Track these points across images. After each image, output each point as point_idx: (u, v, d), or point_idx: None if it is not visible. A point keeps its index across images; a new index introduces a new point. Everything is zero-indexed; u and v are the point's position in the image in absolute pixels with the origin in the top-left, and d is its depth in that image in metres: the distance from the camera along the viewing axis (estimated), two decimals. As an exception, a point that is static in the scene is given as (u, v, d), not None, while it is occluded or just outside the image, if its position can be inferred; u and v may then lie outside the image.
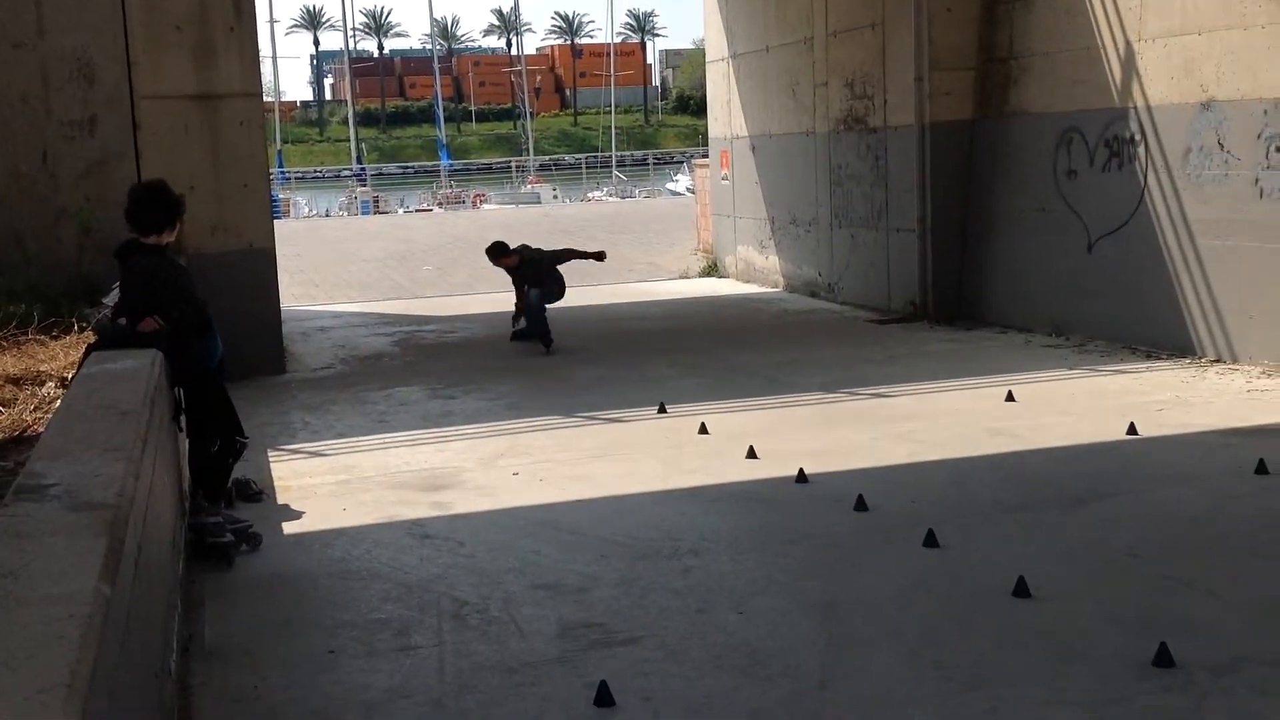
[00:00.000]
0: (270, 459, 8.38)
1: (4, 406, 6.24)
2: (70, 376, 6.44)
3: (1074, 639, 4.94)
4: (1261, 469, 7.14)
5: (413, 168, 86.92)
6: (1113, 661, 4.70)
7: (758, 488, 7.41)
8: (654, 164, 72.41)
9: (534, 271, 13.12)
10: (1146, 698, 4.40)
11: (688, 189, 37.60)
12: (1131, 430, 8.21)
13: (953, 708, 4.39)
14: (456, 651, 5.05)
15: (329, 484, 7.76)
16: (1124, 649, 4.78)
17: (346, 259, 23.66)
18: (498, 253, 13.37)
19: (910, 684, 4.61)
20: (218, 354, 6.59)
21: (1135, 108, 11.42)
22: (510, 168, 73.96)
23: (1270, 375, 9.87)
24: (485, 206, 52.12)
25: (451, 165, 76.84)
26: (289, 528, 6.90)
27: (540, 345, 12.60)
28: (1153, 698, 4.40)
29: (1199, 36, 10.72)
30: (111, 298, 7.26)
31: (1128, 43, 11.48)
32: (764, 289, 17.46)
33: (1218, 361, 10.50)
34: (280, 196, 49.32)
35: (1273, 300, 10.10)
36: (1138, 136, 11.42)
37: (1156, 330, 11.16)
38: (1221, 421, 8.47)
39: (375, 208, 52.69)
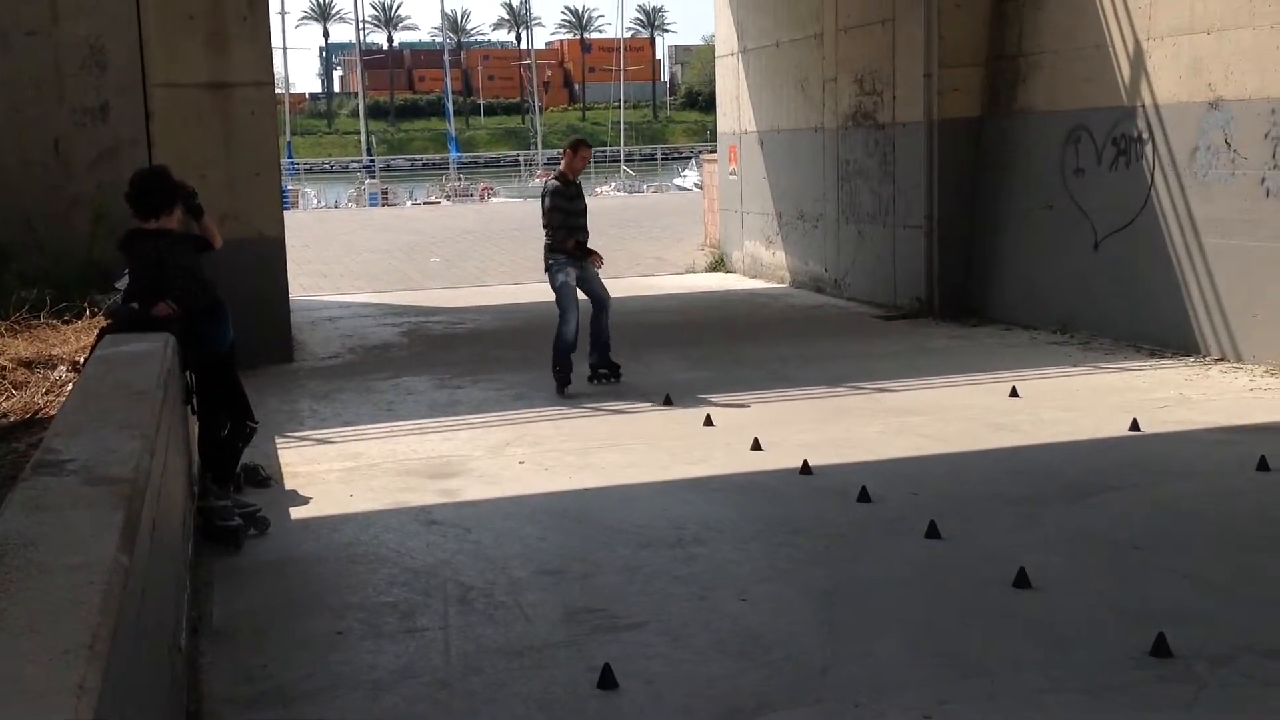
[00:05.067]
0: (278, 446, 8.45)
1: (16, 389, 6.32)
2: (83, 360, 6.51)
3: (1073, 628, 5.00)
4: (1263, 466, 7.19)
5: (421, 160, 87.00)
6: (1111, 650, 4.76)
7: (762, 479, 7.47)
8: (662, 159, 72.51)
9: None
10: (1144, 686, 4.46)
11: (695, 184, 37.65)
12: (1134, 426, 8.26)
13: (951, 693, 4.45)
14: (462, 634, 5.11)
15: (337, 470, 7.83)
16: (1122, 639, 4.84)
17: (354, 250, 23.73)
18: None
19: (910, 669, 4.67)
20: (229, 338, 6.65)
21: (1143, 106, 11.45)
22: (518, 161, 74.07)
23: (1274, 374, 9.90)
24: (493, 200, 52.22)
25: (460, 158, 76.93)
26: (297, 513, 6.97)
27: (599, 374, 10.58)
28: (1150, 686, 4.46)
29: (1208, 36, 10.75)
30: (123, 283, 7.33)
31: (1137, 41, 11.51)
32: (770, 284, 17.51)
33: (1222, 360, 10.53)
34: (289, 188, 49.44)
35: (1277, 299, 10.14)
36: (1145, 135, 11.45)
37: (1161, 328, 11.20)
38: (1224, 419, 8.51)
39: (383, 200, 52.82)
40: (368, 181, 59.34)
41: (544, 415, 9.30)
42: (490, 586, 5.67)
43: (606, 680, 4.56)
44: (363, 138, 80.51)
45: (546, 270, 10.37)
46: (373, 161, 72.60)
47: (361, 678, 4.73)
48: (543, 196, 10.47)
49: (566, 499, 7.11)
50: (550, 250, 10.27)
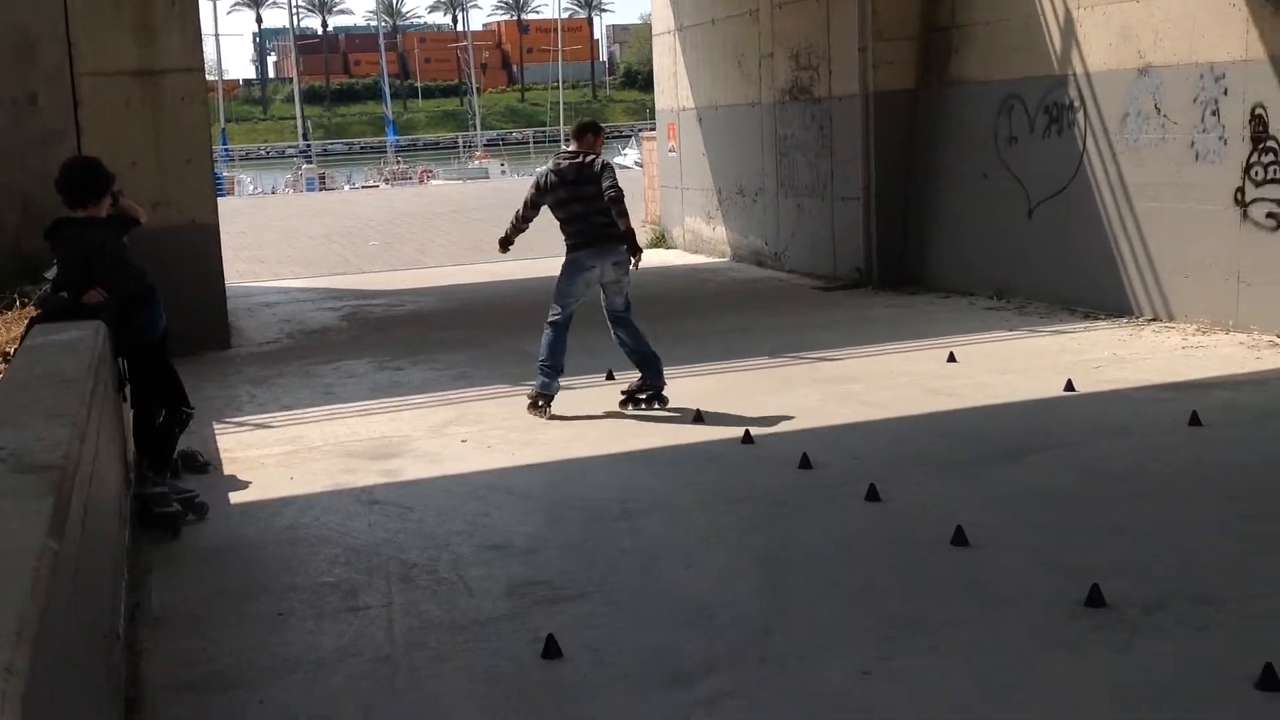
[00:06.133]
0: (216, 431, 8.37)
1: (-55, 380, 6.21)
2: (12, 350, 6.42)
3: (1010, 584, 5.08)
4: (1195, 421, 7.33)
5: (359, 145, 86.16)
6: (1047, 603, 4.84)
7: (705, 449, 7.50)
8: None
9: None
10: (1080, 635, 4.54)
11: (636, 162, 37.58)
12: (1069, 387, 8.38)
13: (892, 649, 4.50)
14: (405, 611, 5.11)
15: (276, 454, 7.77)
16: (1058, 592, 4.92)
17: (292, 236, 23.51)
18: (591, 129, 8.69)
19: (852, 629, 4.73)
20: (161, 324, 6.57)
21: (1074, 74, 11.58)
22: (458, 144, 73.58)
23: (1205, 332, 10.08)
24: (433, 182, 51.86)
25: (398, 142, 76.32)
26: (236, 497, 6.91)
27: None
28: (1086, 635, 4.54)
29: (1137, 3, 10.87)
30: (52, 273, 7.23)
31: (1067, 10, 11.62)
32: (711, 259, 17.55)
33: (1154, 320, 10.70)
34: (224, 175, 48.82)
35: (1207, 259, 10.31)
36: (1077, 103, 11.58)
37: (1095, 291, 11.36)
38: (1157, 377, 8.66)
39: (321, 185, 52.27)
40: (305, 167, 58.74)
41: (486, 394, 9.27)
42: (433, 563, 5.66)
43: (551, 650, 4.58)
44: (299, 123, 79.57)
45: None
46: (309, 147, 71.81)
47: (304, 658, 4.71)
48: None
49: (510, 475, 7.10)
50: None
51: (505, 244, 8.80)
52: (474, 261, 18.61)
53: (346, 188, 51.35)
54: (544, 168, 9.02)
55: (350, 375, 10.29)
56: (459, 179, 52.55)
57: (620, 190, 8.18)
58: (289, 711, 4.29)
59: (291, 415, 8.89)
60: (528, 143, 71.08)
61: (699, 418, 8.12)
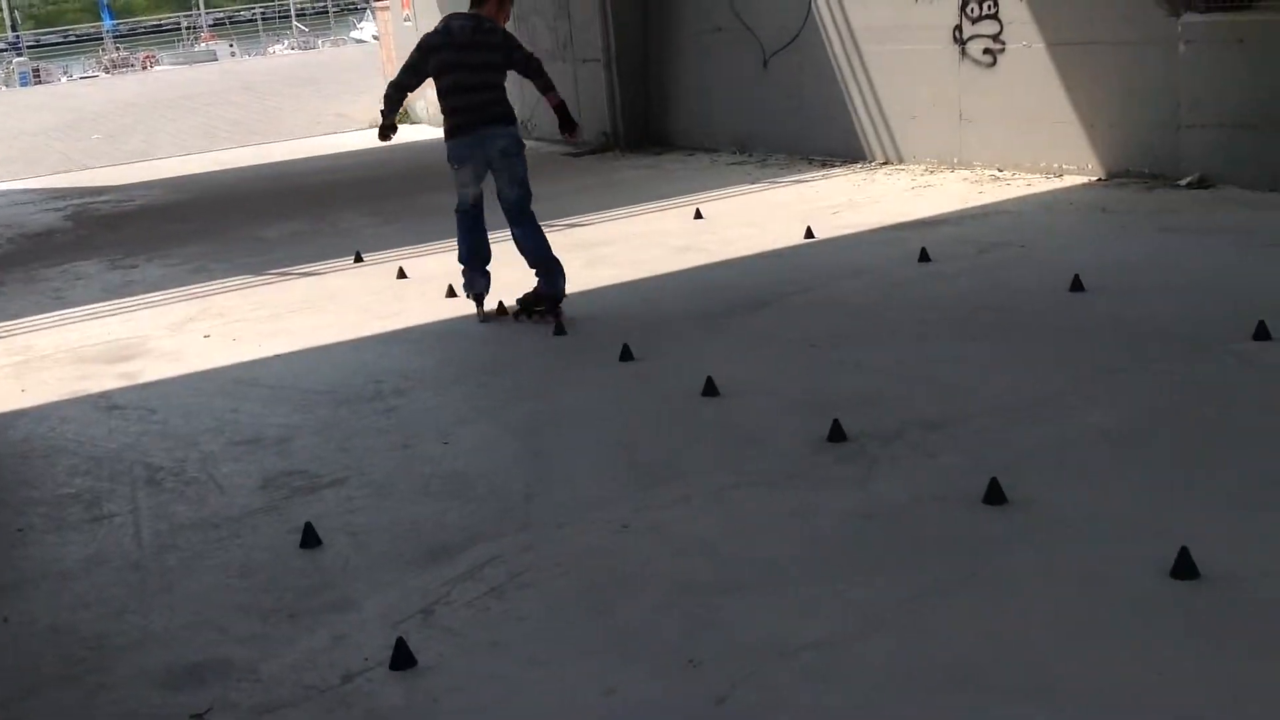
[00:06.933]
0: (-65, 349, 7.83)
1: None
2: None
3: (758, 427, 5.26)
4: (924, 257, 7.68)
5: (74, 33, 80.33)
6: (793, 441, 5.03)
7: (459, 325, 7.45)
8: (334, 10, 69.19)
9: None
10: (823, 469, 4.75)
11: (374, 36, 36.29)
12: (809, 234, 8.64)
13: (649, 500, 4.62)
14: (153, 515, 4.93)
15: (4, 366, 7.33)
16: (803, 430, 5.12)
17: (7, 135, 21.92)
18: None
19: (610, 484, 4.82)
20: None
21: (797, -78, 11.69)
22: (180, 26, 69.44)
23: (932, 171, 10.52)
24: (157, 69, 49.09)
25: (117, 28, 71.43)
26: (-38, 416, 6.51)
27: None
28: (828, 469, 4.75)
29: None
30: None
31: None
32: (457, 131, 17.21)
33: (887, 164, 11.10)
34: (-77, 74, 44.92)
35: (931, 100, 10.70)
36: (802, -49, 11.72)
37: (831, 139, 11.67)
38: (889, 218, 9.02)
39: (36, 79, 48.77)
40: (16, 60, 54.50)
41: (229, 286, 8.95)
42: (180, 464, 5.47)
43: (309, 539, 4.51)
44: (4, 13, 73.55)
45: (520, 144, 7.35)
46: (19, 38, 66.62)
47: (48, 570, 4.51)
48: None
49: (257, 367, 6.89)
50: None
51: (385, 132, 7.32)
52: (206, 150, 17.77)
53: (64, 80, 48.11)
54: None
55: (79, 278, 9.74)
56: (185, 63, 49.81)
57: (539, 59, 7.20)
58: (37, 624, 4.11)
59: (18, 324, 8.39)
60: (257, 20, 67.63)
61: (451, 293, 8.03)
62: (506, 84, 7.17)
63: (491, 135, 7.09)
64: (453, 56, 7.02)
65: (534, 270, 7.31)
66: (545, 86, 7.19)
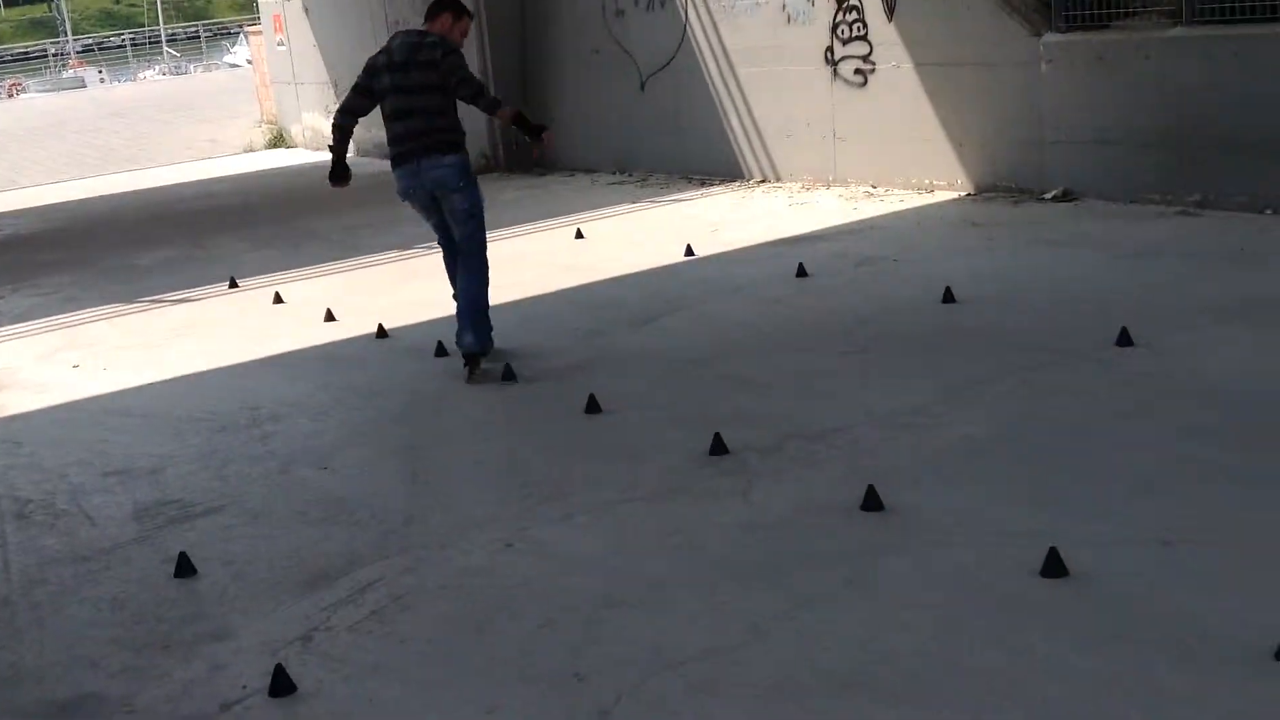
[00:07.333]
0: None
1: None
2: None
3: (641, 443, 5.28)
4: (802, 272, 7.79)
5: (-67, 61, 77.68)
6: (676, 456, 5.06)
7: (338, 348, 7.36)
8: (206, 36, 68.00)
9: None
10: (705, 483, 4.79)
11: (247, 60, 35.76)
12: (689, 252, 8.72)
13: (532, 519, 4.60)
14: (21, 549, 4.78)
15: None
16: (686, 444, 5.16)
17: None
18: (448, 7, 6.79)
19: (494, 505, 4.79)
20: None
21: (671, -55, 11.83)
22: (47, 53, 67.60)
23: (808, 189, 10.70)
24: (23, 96, 47.73)
25: (-21, 54, 69.26)
26: None
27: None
28: (710, 482, 4.79)
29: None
30: None
31: (658, -119, 11.81)
32: (335, 156, 17.02)
33: (764, 182, 11.26)
34: None
35: (805, 119, 10.89)
36: (676, -27, 11.85)
37: (709, 159, 11.80)
38: (767, 235, 9.15)
39: (-107, 108, 47.00)
40: None
41: (99, 315, 8.73)
42: (49, 497, 5.31)
43: (184, 568, 4.41)
44: None
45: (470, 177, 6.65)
46: (-127, 66, 64.22)
47: (-92, 614, 4.33)
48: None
49: (128, 396, 6.73)
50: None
51: (337, 172, 6.63)
52: (77, 178, 17.32)
53: (-77, 108, 46.38)
54: None
55: (-60, 310, 9.40)
56: (53, 90, 48.51)
57: (479, 81, 6.44)
58: (-106, 674, 3.94)
59: (-127, 360, 8.05)
60: (126, 47, 66.13)
61: (330, 316, 7.93)
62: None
63: (429, 166, 6.38)
64: (390, 79, 6.42)
65: (456, 317, 6.56)
66: (490, 107, 6.41)
